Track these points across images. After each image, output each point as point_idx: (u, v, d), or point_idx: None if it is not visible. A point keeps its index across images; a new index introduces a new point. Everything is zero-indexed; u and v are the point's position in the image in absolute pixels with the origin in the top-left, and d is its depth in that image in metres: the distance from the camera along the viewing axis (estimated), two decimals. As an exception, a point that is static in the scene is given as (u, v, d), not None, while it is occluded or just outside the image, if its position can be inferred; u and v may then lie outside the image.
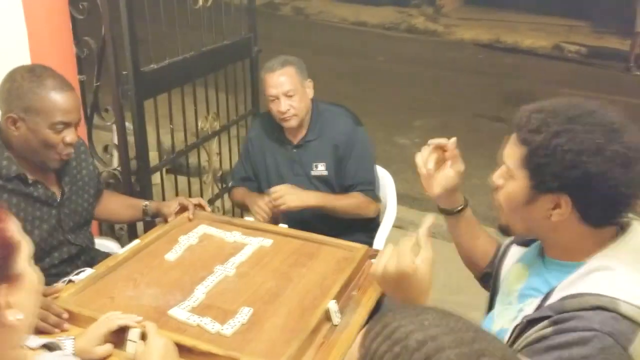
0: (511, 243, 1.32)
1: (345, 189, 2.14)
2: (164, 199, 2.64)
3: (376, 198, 2.17)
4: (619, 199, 1.01)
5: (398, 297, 1.08)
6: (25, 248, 0.83)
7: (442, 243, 3.12)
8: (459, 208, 1.41)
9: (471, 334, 0.62)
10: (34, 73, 1.52)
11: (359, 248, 1.69)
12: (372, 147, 2.21)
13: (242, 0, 2.94)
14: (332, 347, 1.33)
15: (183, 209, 1.87)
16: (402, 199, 2.71)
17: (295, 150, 2.17)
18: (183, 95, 2.51)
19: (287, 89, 2.04)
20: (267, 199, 2.00)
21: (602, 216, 1.04)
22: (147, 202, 1.89)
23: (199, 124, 2.70)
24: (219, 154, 2.97)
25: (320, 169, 2.14)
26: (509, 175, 1.10)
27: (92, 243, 1.82)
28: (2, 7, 1.82)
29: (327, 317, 1.40)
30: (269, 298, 1.46)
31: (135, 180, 2.24)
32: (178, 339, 1.25)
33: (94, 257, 1.75)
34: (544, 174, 1.02)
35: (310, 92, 2.14)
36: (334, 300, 1.42)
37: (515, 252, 1.29)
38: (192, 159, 3.01)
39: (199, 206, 1.90)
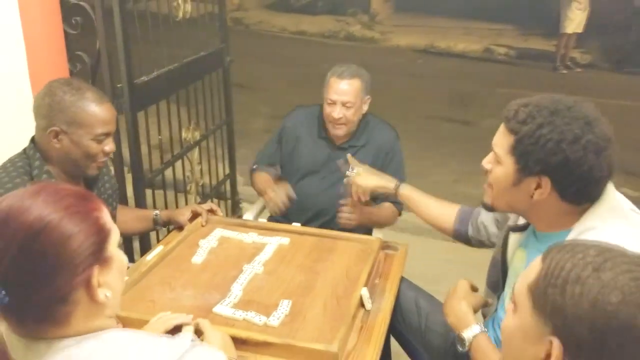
0: (508, 231, 1.47)
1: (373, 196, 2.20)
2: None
3: (400, 210, 2.24)
4: (592, 181, 1.18)
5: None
6: (115, 234, 0.89)
7: (417, 238, 3.28)
8: (393, 192, 1.79)
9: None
10: (73, 87, 1.55)
11: (374, 240, 1.79)
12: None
13: (214, 11, 3.01)
14: (371, 330, 1.43)
15: (195, 215, 1.91)
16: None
17: (337, 150, 2.21)
18: (168, 105, 2.54)
19: (347, 100, 2.09)
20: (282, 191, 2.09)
21: (578, 195, 1.20)
22: (157, 212, 1.92)
23: (183, 135, 2.74)
24: (200, 163, 3.00)
25: (356, 172, 2.18)
26: (497, 161, 1.26)
27: None
28: (2, 24, 1.81)
29: (360, 303, 1.50)
30: (303, 291, 1.54)
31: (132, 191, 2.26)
32: (232, 332, 1.31)
33: None
34: (529, 159, 1.18)
35: (365, 107, 2.19)
36: (365, 288, 1.52)
37: (514, 239, 1.44)
38: (167, 172, 3.02)
39: (211, 211, 1.94)
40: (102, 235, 0.85)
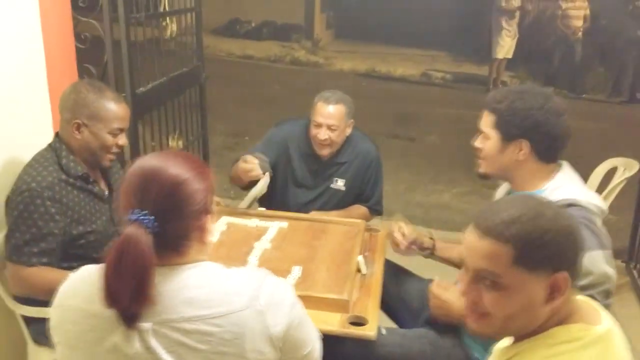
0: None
1: (355, 201, 2.44)
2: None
3: (376, 215, 2.50)
4: (557, 138, 1.56)
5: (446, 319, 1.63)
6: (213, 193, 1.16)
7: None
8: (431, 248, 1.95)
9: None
10: (95, 87, 1.79)
11: (359, 223, 2.11)
12: None
13: (191, 32, 3.29)
14: (369, 287, 1.74)
15: None
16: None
17: (322, 165, 2.42)
18: (159, 116, 2.79)
19: (332, 123, 2.29)
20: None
21: (548, 152, 1.58)
22: None
23: (170, 143, 2.98)
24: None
25: (340, 184, 2.41)
26: (485, 138, 1.63)
27: None
28: (27, 41, 2.04)
29: (357, 269, 1.80)
30: (307, 260, 1.83)
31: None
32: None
33: None
34: (509, 127, 1.56)
35: (348, 131, 2.39)
36: (361, 256, 1.82)
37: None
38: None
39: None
40: (212, 194, 1.13)
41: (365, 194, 2.47)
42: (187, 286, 1.05)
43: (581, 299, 1.11)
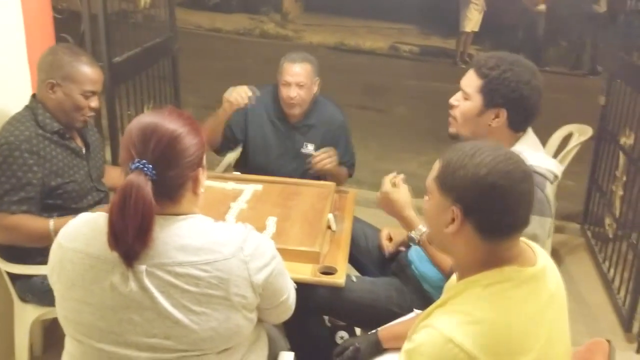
0: None
1: None
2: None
3: (352, 173, 2.66)
4: (532, 113, 1.68)
5: (390, 213, 1.77)
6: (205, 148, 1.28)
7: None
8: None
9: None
10: (72, 50, 1.91)
11: (329, 185, 2.26)
12: None
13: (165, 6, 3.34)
14: (339, 242, 1.90)
15: None
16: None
17: (290, 129, 2.53)
18: (135, 86, 2.87)
19: (300, 80, 2.39)
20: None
21: (520, 124, 1.70)
22: None
23: (144, 112, 3.06)
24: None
25: (310, 148, 2.51)
26: (465, 98, 1.71)
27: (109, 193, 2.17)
28: (6, 10, 2.10)
29: (328, 226, 1.95)
30: (282, 218, 1.97)
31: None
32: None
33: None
34: (494, 95, 1.64)
35: (315, 89, 2.50)
36: (331, 214, 1.97)
37: None
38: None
39: None
40: (204, 148, 1.25)
41: (339, 156, 2.53)
42: (179, 235, 1.17)
43: (522, 242, 1.25)
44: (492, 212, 1.11)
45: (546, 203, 1.61)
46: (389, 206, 1.74)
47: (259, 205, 2.08)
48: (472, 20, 8.94)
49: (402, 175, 1.80)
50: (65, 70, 1.86)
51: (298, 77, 2.40)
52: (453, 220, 1.15)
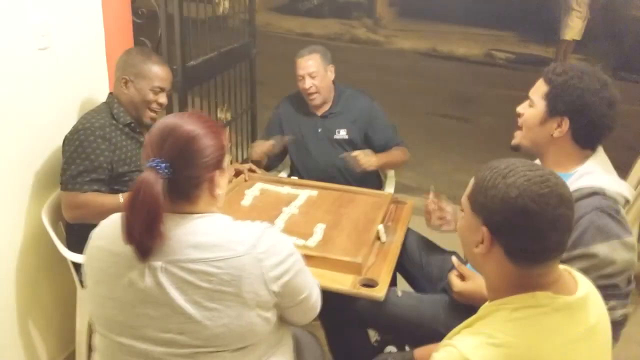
0: None
1: (376, 148, 2.60)
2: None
3: (405, 150, 2.70)
4: (600, 127, 1.56)
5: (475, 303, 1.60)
6: (228, 155, 1.31)
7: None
8: None
9: (545, 172, 1.08)
10: (144, 52, 2.08)
11: (386, 195, 2.22)
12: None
13: (245, 12, 3.43)
14: (386, 254, 1.85)
15: (238, 173, 2.33)
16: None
17: (320, 120, 2.67)
18: (209, 89, 2.96)
19: (311, 71, 2.54)
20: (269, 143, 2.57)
21: (585, 138, 1.58)
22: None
23: (218, 114, 3.16)
24: (230, 142, 3.42)
25: (342, 133, 2.64)
26: (530, 105, 1.63)
27: None
28: (88, 13, 2.24)
29: (377, 236, 1.91)
30: (331, 225, 1.96)
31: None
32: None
33: None
34: (558, 102, 1.55)
35: (331, 75, 2.64)
36: (381, 224, 1.93)
37: None
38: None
39: (251, 170, 2.36)
40: (223, 151, 1.26)
41: (379, 142, 2.63)
42: (194, 232, 1.19)
43: (563, 268, 1.17)
44: (522, 236, 1.05)
45: (623, 223, 1.51)
46: (471, 300, 1.64)
47: (311, 210, 2.08)
48: (574, 29, 8.46)
49: (456, 262, 1.70)
50: (137, 68, 2.02)
51: (308, 69, 2.54)
52: (483, 241, 1.09)
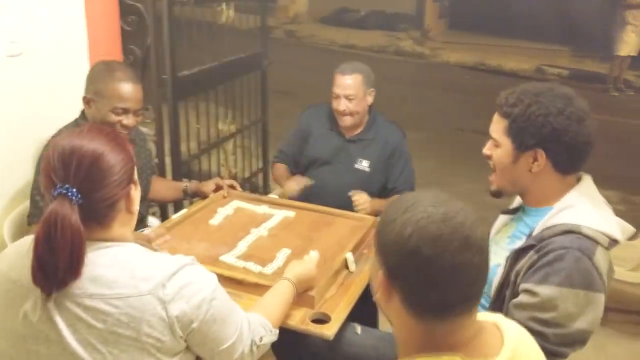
0: (499, 214, 1.69)
1: (385, 189, 2.43)
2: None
3: None
4: (578, 147, 1.38)
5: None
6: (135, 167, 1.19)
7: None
8: None
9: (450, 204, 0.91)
10: (109, 66, 1.89)
11: (369, 218, 2.05)
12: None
13: (255, 21, 3.34)
14: (349, 287, 1.68)
15: (218, 188, 2.22)
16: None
17: (345, 143, 2.46)
18: (213, 99, 2.88)
19: (349, 93, 2.33)
20: (298, 181, 2.38)
21: (568, 163, 1.40)
22: (187, 183, 2.24)
23: (220, 126, 3.07)
24: (234, 154, 3.32)
25: (364, 164, 2.42)
26: (495, 145, 1.46)
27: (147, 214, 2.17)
28: (69, 20, 2.19)
29: (345, 265, 1.75)
30: (297, 251, 1.81)
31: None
32: (231, 274, 1.60)
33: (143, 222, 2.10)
34: (523, 135, 1.39)
35: (370, 100, 2.41)
36: (351, 253, 1.77)
37: (502, 219, 1.66)
38: (204, 165, 3.33)
39: (231, 187, 2.25)
40: (132, 164, 1.16)
41: (392, 181, 2.43)
42: (96, 264, 1.07)
43: (491, 323, 0.98)
44: (416, 285, 0.88)
45: (595, 274, 1.30)
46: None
47: (281, 233, 1.94)
48: (629, 44, 8.03)
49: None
50: (97, 85, 1.86)
51: (347, 90, 2.34)
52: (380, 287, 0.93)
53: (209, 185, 2.20)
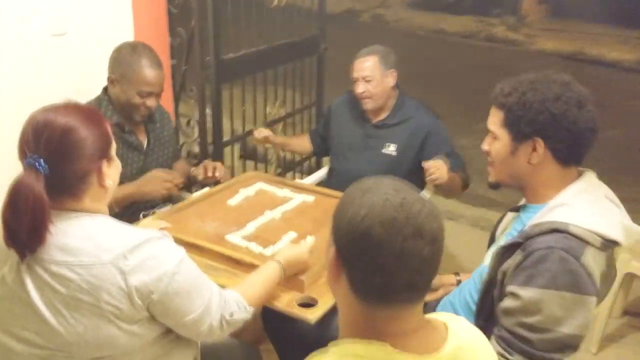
0: (506, 212, 1.62)
1: (410, 171, 2.35)
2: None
3: (467, 181, 2.34)
4: (579, 134, 1.30)
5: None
6: (114, 143, 1.25)
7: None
8: None
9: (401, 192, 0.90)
10: (136, 50, 1.98)
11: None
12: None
13: (313, 3, 3.34)
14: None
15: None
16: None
17: (372, 128, 2.46)
18: (256, 82, 2.93)
19: (366, 75, 2.34)
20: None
21: (569, 152, 1.32)
22: (194, 168, 2.26)
23: (267, 109, 3.11)
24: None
25: (391, 149, 2.40)
26: (494, 138, 1.42)
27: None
28: (114, 4, 2.30)
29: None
30: (303, 235, 1.81)
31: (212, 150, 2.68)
32: (229, 253, 1.64)
33: (168, 198, 2.15)
34: (520, 125, 1.33)
35: (391, 81, 2.38)
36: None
37: (509, 217, 1.59)
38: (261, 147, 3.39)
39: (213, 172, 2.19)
40: (107, 140, 1.21)
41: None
42: (65, 232, 1.14)
43: (441, 323, 0.97)
44: (364, 265, 0.88)
45: (583, 276, 1.22)
46: None
47: (295, 217, 1.95)
48: None
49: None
50: (124, 68, 1.96)
51: (363, 72, 2.35)
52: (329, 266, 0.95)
53: (198, 170, 2.22)
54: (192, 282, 1.21)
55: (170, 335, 1.26)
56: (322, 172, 2.72)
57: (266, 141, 2.58)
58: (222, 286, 1.35)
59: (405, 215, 0.86)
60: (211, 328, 1.27)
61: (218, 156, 2.69)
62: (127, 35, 2.36)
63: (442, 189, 2.28)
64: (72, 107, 1.19)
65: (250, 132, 2.99)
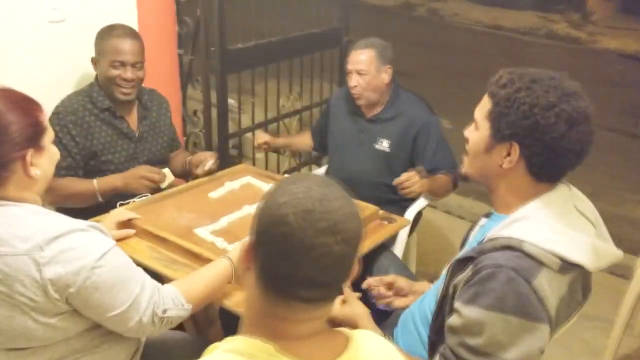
0: (483, 216, 1.51)
1: (404, 167, 2.27)
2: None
3: (456, 178, 2.27)
4: (560, 152, 1.16)
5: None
6: (50, 132, 1.23)
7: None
8: None
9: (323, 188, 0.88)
10: (111, 27, 2.01)
11: (370, 207, 1.93)
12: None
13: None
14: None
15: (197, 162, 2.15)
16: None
17: (365, 123, 2.39)
18: (267, 73, 2.89)
19: (360, 68, 2.26)
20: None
21: (543, 168, 1.20)
22: (189, 158, 2.22)
23: (281, 102, 3.06)
24: (299, 132, 3.31)
25: (384, 145, 2.33)
26: (475, 127, 1.29)
27: None
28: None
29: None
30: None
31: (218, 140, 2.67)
32: (189, 247, 1.61)
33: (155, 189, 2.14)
34: (501, 122, 1.20)
35: (386, 77, 2.29)
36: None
37: (482, 220, 1.48)
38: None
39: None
40: (38, 129, 1.20)
41: (428, 162, 2.27)
42: None
43: (348, 334, 0.94)
44: (272, 251, 0.87)
45: (532, 300, 1.12)
46: (354, 326, 1.40)
47: (274, 213, 1.90)
48: None
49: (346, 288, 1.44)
50: (99, 44, 2.00)
51: (358, 65, 2.27)
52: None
53: (198, 156, 2.17)
54: (116, 276, 1.19)
55: (103, 327, 1.25)
56: (324, 168, 2.66)
57: (267, 146, 2.55)
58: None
59: (322, 209, 0.85)
60: (141, 324, 1.24)
61: (223, 151, 2.67)
62: (130, 23, 2.36)
63: (429, 193, 2.25)
64: (5, 94, 1.18)
65: (261, 125, 2.98)
